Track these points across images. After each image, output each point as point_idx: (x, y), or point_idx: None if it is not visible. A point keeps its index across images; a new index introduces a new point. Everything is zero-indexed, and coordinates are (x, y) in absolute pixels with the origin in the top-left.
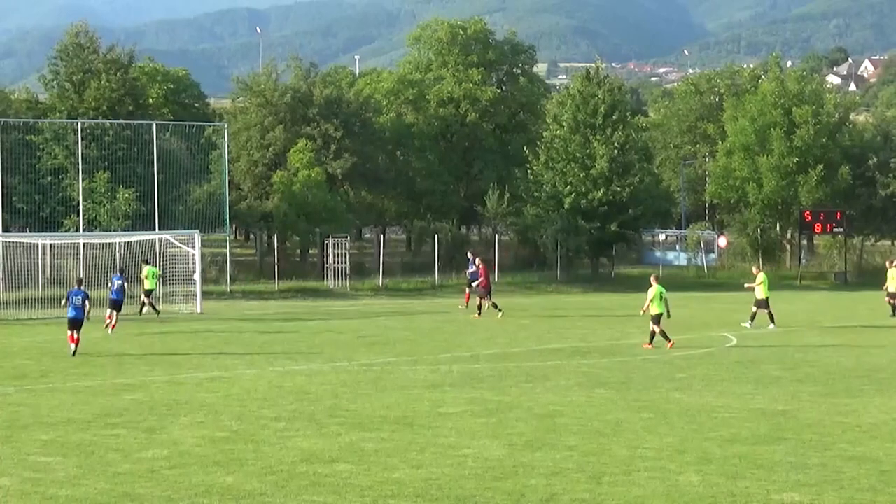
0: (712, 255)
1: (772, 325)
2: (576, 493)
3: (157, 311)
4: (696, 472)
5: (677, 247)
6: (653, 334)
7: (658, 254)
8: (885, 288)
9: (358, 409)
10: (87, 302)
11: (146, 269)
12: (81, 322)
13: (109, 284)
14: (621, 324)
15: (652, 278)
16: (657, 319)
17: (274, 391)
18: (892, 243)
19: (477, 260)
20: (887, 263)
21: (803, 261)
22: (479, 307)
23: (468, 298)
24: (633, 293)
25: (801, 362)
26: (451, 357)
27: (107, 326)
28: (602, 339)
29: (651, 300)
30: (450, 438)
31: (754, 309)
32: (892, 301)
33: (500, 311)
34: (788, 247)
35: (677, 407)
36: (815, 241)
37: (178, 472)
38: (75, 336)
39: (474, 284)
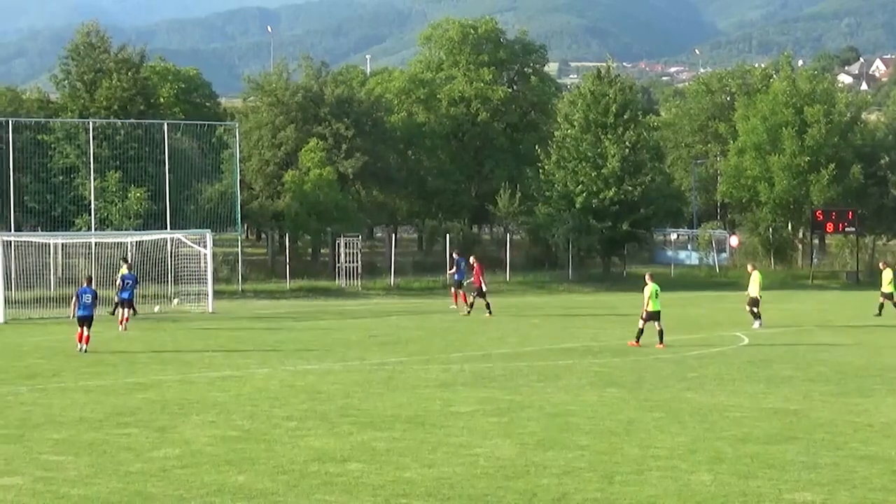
0: (724, 255)
1: (757, 322)
2: (587, 493)
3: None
4: (707, 471)
5: (689, 246)
6: (661, 333)
7: (669, 253)
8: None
9: (370, 409)
10: (96, 300)
11: (124, 268)
12: (91, 319)
13: (118, 283)
14: (633, 323)
15: (647, 276)
16: (652, 316)
17: (286, 390)
18: None
19: (472, 259)
20: (881, 265)
21: (815, 260)
22: (471, 305)
23: (460, 298)
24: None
25: (812, 362)
26: (463, 356)
27: (121, 322)
28: (613, 338)
29: (648, 298)
30: (461, 438)
31: (755, 309)
32: (884, 301)
33: (469, 311)
34: (800, 246)
35: (689, 406)
36: (826, 241)
37: (189, 472)
38: (85, 333)
39: (466, 283)
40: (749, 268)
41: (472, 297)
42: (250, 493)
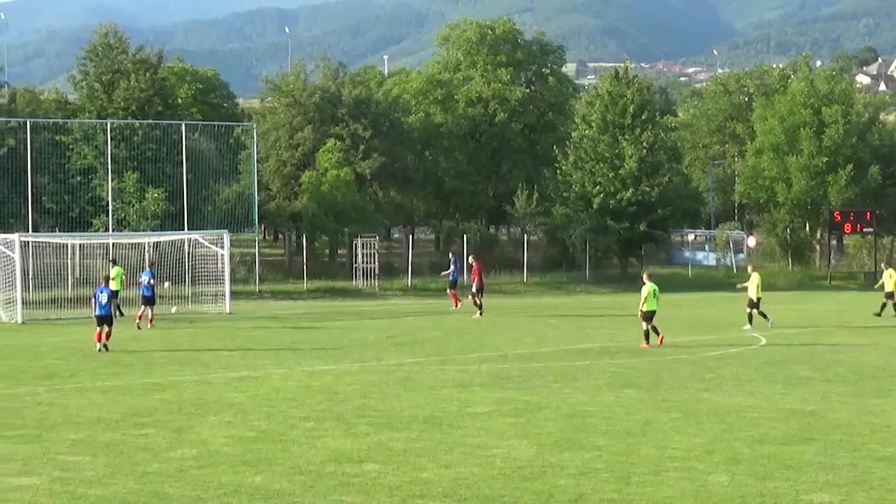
0: (741, 256)
1: (748, 326)
2: (604, 494)
3: (121, 313)
4: (725, 472)
5: (706, 247)
6: (646, 332)
7: (687, 254)
8: (880, 286)
9: (387, 409)
10: (112, 299)
11: (114, 270)
12: (110, 319)
13: (139, 281)
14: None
15: (644, 276)
16: (647, 316)
17: (303, 391)
18: None
19: (470, 258)
20: (882, 265)
21: (833, 261)
22: (480, 306)
23: (456, 300)
24: (661, 293)
25: (830, 362)
26: (480, 357)
27: (140, 319)
28: (631, 338)
29: (645, 298)
30: (478, 438)
31: (756, 310)
32: (887, 301)
33: (480, 312)
34: (818, 247)
35: (706, 407)
36: (844, 241)
37: (206, 472)
38: (105, 332)
39: (474, 288)
40: (749, 269)
41: (476, 299)
42: (267, 493)
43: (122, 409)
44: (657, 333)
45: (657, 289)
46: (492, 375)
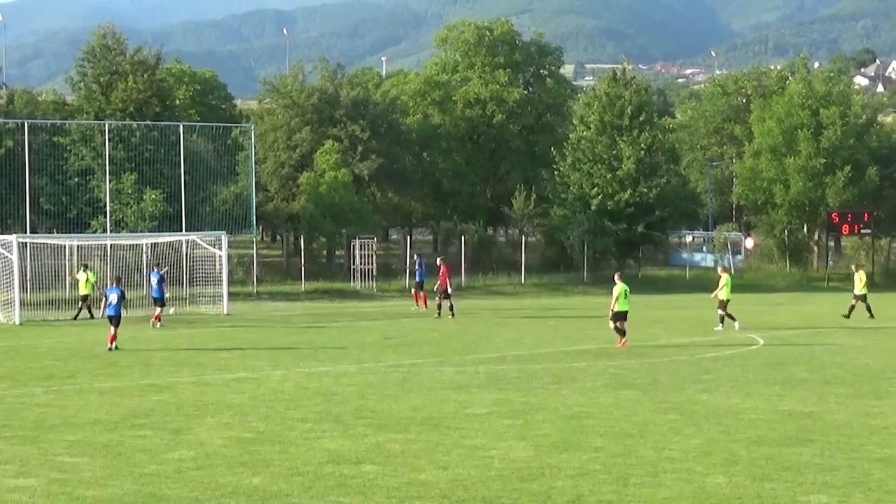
0: (739, 257)
1: (736, 325)
2: (602, 495)
3: (92, 315)
4: (722, 473)
5: (704, 248)
6: (623, 332)
7: (685, 255)
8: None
9: (384, 410)
10: (122, 299)
11: (82, 275)
12: (119, 319)
13: (149, 282)
14: (647, 325)
15: (616, 277)
16: (619, 317)
17: (300, 392)
18: None
19: (438, 260)
20: (853, 267)
21: (830, 262)
22: (439, 307)
23: (417, 300)
24: (659, 294)
25: (828, 364)
26: (478, 358)
27: (159, 321)
28: (628, 340)
29: (616, 298)
30: (476, 439)
31: (721, 312)
32: (857, 302)
33: (452, 313)
34: (815, 248)
35: (704, 408)
36: (842, 243)
37: (204, 473)
38: (111, 331)
39: (436, 287)
40: (720, 270)
41: (438, 299)
42: (265, 494)
43: (120, 410)
44: (622, 336)
45: (628, 289)
46: (490, 377)
